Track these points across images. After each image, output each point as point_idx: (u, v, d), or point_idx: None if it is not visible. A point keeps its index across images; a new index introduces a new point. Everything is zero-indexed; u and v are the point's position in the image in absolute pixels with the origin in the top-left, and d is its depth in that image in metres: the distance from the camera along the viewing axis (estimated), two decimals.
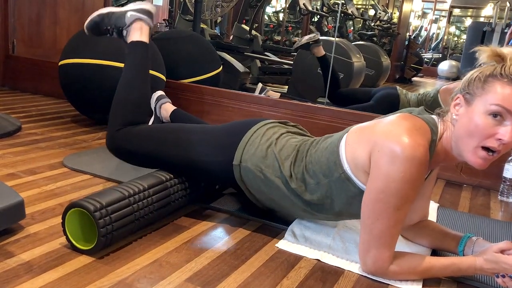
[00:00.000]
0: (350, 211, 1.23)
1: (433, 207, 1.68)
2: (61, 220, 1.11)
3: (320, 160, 1.22)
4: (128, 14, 1.60)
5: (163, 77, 2.41)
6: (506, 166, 1.90)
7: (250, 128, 1.35)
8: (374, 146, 1.08)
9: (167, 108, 1.88)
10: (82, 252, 1.10)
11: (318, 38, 3.12)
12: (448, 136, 1.11)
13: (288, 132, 1.38)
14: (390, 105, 2.74)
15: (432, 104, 2.74)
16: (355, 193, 1.17)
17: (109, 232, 1.10)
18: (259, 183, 1.30)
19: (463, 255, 1.20)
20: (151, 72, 2.26)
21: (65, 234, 1.11)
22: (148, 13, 1.63)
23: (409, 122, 1.08)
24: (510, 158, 1.90)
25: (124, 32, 1.63)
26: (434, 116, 1.16)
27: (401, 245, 1.30)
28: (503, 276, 1.07)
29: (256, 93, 2.75)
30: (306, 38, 3.13)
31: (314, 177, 1.22)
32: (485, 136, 1.02)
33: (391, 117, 1.13)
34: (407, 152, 1.02)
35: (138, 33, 1.61)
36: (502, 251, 1.08)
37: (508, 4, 5.90)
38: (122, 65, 2.15)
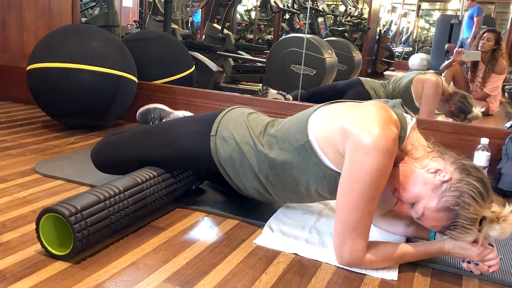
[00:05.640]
0: (308, 182, 1.25)
1: None
2: (35, 226, 1.09)
3: (290, 128, 1.27)
4: (175, 112, 1.99)
5: (135, 79, 2.38)
6: (476, 154, 1.95)
7: (227, 108, 1.47)
8: (349, 134, 1.10)
9: None
10: (57, 257, 1.08)
11: (288, 98, 2.90)
12: (412, 153, 1.16)
13: (262, 114, 1.49)
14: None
15: (403, 95, 2.78)
16: (315, 162, 1.20)
17: (85, 236, 1.08)
18: (231, 153, 1.34)
19: (435, 239, 1.23)
20: (123, 74, 2.25)
21: (39, 240, 1.09)
22: None
23: (385, 112, 1.11)
24: (479, 146, 1.95)
25: (164, 119, 1.96)
26: (407, 116, 1.19)
27: (376, 235, 1.33)
28: (469, 262, 1.13)
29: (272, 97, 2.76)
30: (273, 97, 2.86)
31: (280, 142, 1.27)
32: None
33: (368, 106, 1.15)
34: (381, 144, 1.05)
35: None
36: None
37: None
38: (90, 67, 2.14)
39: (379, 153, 1.04)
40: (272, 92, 2.89)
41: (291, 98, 2.96)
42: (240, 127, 1.36)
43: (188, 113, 2.00)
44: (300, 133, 1.23)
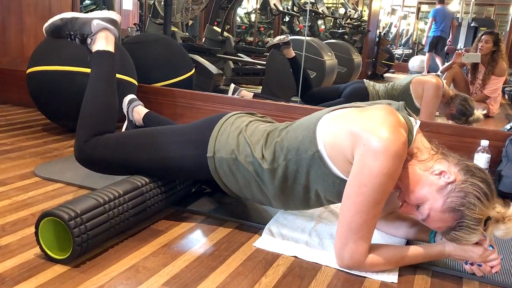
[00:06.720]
0: (317, 190, 1.23)
1: None
2: (34, 230, 1.09)
3: (296, 137, 1.22)
4: (94, 22, 1.56)
5: (135, 82, 2.38)
6: (476, 156, 1.95)
7: (219, 121, 1.36)
8: (359, 139, 1.09)
9: (140, 111, 1.87)
10: (57, 261, 1.08)
11: (289, 40, 3.18)
12: (417, 156, 1.15)
13: (256, 120, 1.40)
14: (359, 99, 2.78)
15: (402, 95, 2.79)
16: (325, 173, 1.18)
17: (85, 240, 1.08)
18: (234, 172, 1.29)
19: (434, 242, 1.23)
20: (123, 77, 2.24)
21: (38, 243, 1.09)
22: (113, 22, 1.60)
23: (393, 117, 1.10)
24: (479, 148, 1.95)
25: (89, 40, 1.59)
26: (411, 119, 1.19)
27: (377, 238, 1.33)
28: (471, 264, 1.13)
29: (229, 94, 2.75)
30: (277, 39, 3.22)
31: (285, 153, 1.22)
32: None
33: (376, 111, 1.14)
34: (392, 148, 1.04)
35: (104, 42, 1.57)
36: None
37: None
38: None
39: (390, 158, 1.04)
40: (276, 38, 3.25)
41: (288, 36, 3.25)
42: (240, 145, 1.29)
43: (114, 15, 1.61)
44: (308, 143, 1.19)
